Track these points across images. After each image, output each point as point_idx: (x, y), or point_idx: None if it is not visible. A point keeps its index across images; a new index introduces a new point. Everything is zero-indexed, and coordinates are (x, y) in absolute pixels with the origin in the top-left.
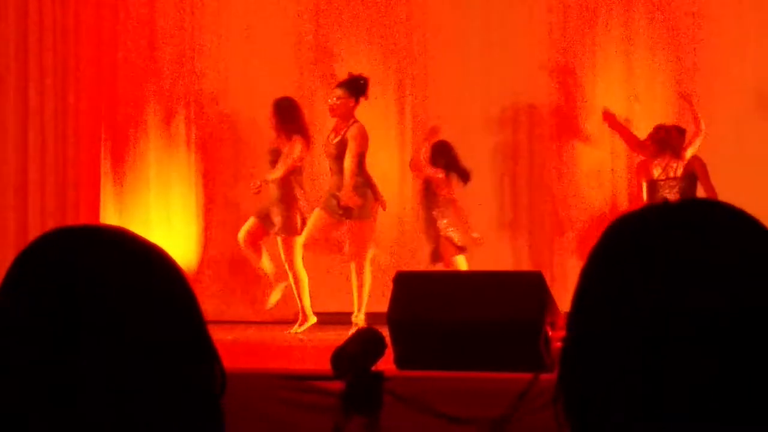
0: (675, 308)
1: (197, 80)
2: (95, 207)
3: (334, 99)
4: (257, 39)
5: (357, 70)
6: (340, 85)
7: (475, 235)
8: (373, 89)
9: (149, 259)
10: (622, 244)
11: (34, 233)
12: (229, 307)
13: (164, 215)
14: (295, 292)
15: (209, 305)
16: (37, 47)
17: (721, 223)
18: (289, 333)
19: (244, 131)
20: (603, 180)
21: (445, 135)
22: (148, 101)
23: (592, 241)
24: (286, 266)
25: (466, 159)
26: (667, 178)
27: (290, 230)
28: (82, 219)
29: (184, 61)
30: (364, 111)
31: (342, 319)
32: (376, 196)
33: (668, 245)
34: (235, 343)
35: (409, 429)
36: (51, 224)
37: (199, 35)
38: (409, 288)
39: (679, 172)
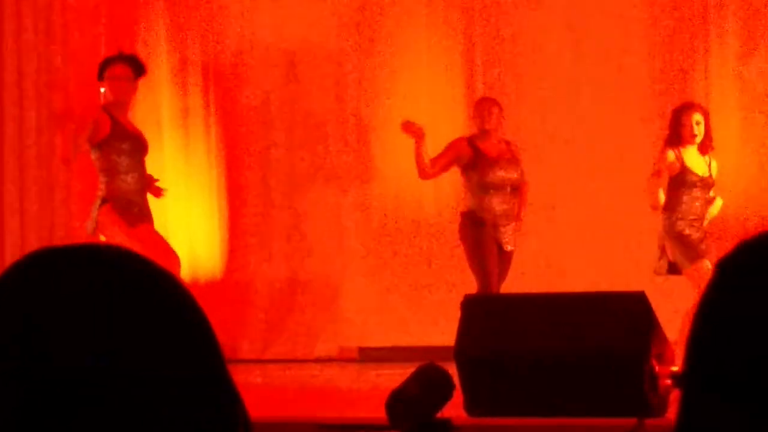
0: None
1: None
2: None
3: (127, 77)
4: None
5: (413, 34)
6: (126, 60)
7: None
8: (433, 57)
9: (157, 284)
10: (757, 259)
11: (12, 249)
12: (264, 343)
13: (184, 221)
14: None
15: (233, 339)
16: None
17: None
18: None
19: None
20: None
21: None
22: (162, 83)
23: None
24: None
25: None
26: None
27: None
28: (78, 229)
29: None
30: (419, 85)
31: (397, 355)
32: None
33: None
34: (268, 386)
35: None
36: (32, 234)
37: None
38: (481, 315)
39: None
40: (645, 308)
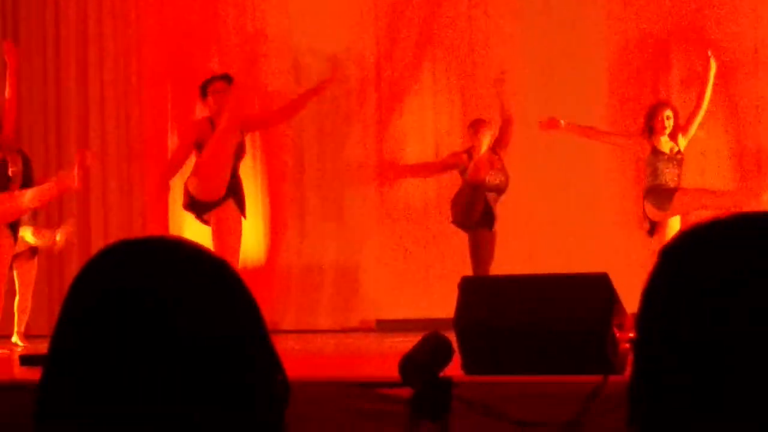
0: (744, 314)
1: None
2: (164, 206)
3: (225, 90)
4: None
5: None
6: (223, 77)
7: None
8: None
9: (212, 270)
10: (692, 248)
11: (97, 237)
12: (293, 314)
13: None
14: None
15: (274, 313)
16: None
17: None
18: None
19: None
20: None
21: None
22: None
23: None
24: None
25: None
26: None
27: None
28: (149, 219)
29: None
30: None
31: (407, 325)
32: None
33: (737, 255)
34: (298, 352)
35: None
36: (114, 224)
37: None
38: (474, 293)
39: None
40: (608, 286)
